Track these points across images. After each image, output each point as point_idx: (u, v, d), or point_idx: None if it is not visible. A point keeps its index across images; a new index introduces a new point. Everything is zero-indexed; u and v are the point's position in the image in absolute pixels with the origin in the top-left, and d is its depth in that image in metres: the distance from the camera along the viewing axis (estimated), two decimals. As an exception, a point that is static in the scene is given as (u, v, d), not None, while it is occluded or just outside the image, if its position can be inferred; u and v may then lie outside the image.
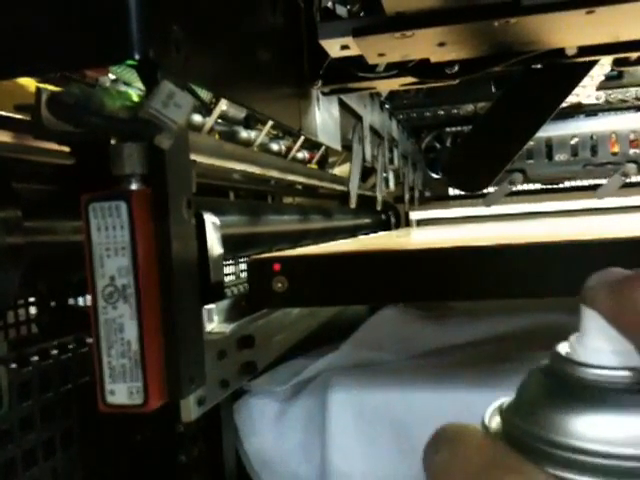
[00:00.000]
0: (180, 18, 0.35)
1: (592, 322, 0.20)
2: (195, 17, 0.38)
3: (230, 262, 1.01)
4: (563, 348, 0.21)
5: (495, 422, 0.21)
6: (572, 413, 0.19)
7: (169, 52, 0.34)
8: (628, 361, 0.19)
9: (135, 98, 0.36)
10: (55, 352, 0.48)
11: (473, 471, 0.19)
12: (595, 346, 0.20)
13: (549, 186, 1.57)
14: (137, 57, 0.32)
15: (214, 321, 0.47)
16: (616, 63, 0.72)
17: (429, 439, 0.21)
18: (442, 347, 0.81)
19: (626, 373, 0.19)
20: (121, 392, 0.35)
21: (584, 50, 0.58)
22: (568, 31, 0.52)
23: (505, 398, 0.22)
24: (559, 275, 0.47)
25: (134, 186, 0.35)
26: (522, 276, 0.48)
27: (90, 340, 0.49)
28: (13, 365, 0.44)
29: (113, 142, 0.36)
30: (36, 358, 0.46)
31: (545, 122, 0.82)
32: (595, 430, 0.19)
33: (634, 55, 0.65)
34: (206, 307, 0.44)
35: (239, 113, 0.92)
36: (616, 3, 0.47)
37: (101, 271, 0.35)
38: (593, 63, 0.71)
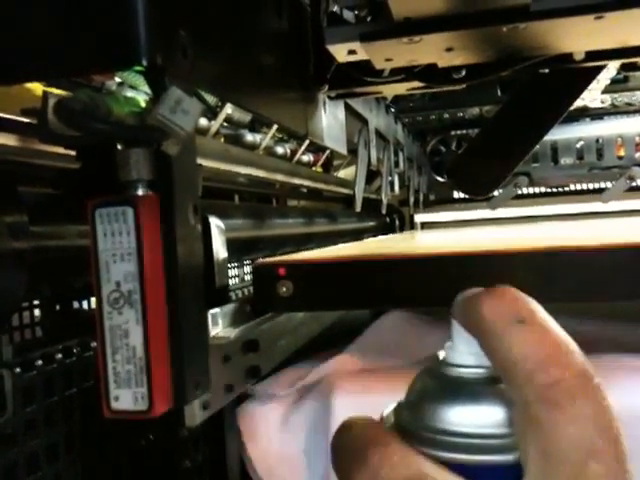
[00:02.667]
0: (187, 23, 0.35)
1: (456, 330, 0.25)
2: (202, 22, 0.38)
3: (234, 265, 1.00)
4: (441, 353, 0.26)
5: (388, 416, 0.26)
6: (439, 403, 0.24)
7: (176, 57, 0.34)
8: (483, 360, 0.24)
9: (142, 104, 0.36)
10: (59, 356, 0.48)
11: (357, 447, 0.24)
12: (459, 349, 0.25)
13: (554, 189, 1.56)
14: (144, 63, 0.32)
15: (219, 325, 0.47)
16: (623, 67, 0.72)
17: (340, 424, 0.26)
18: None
19: (480, 370, 0.24)
20: (126, 398, 0.35)
21: (592, 55, 0.58)
22: (576, 36, 0.52)
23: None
24: (563, 281, 0.47)
25: (141, 192, 0.35)
26: (527, 282, 0.48)
27: (94, 344, 0.49)
28: (17, 369, 0.44)
29: (119, 146, 0.36)
30: (40, 362, 0.46)
31: (552, 127, 0.82)
32: (455, 416, 0.23)
33: (642, 60, 0.65)
34: (211, 311, 0.44)
35: (244, 116, 0.92)
36: (625, 9, 0.47)
37: (107, 276, 0.35)
38: (600, 68, 0.70)
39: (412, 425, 0.24)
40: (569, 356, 0.22)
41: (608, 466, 0.20)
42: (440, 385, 0.25)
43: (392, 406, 0.27)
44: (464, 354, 0.25)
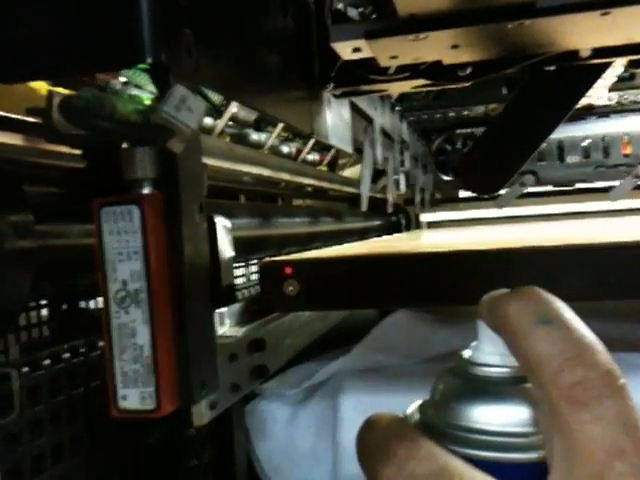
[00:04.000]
0: (191, 21, 0.35)
1: (482, 330, 0.25)
2: (206, 20, 0.38)
3: (241, 264, 1.00)
4: (466, 352, 0.26)
5: (413, 413, 0.27)
6: (465, 402, 0.24)
7: (181, 56, 0.34)
8: (509, 360, 0.24)
9: (147, 102, 0.36)
10: (67, 356, 0.48)
11: (383, 442, 0.25)
12: (485, 349, 0.25)
13: (561, 188, 1.56)
14: (149, 61, 0.32)
15: (225, 325, 0.47)
16: (630, 65, 0.71)
17: (365, 420, 0.26)
18: (454, 351, 0.80)
19: (506, 369, 0.25)
20: (133, 397, 0.35)
21: (598, 52, 0.58)
22: (583, 33, 0.52)
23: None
24: (572, 279, 0.47)
25: (146, 190, 0.35)
26: (535, 280, 0.47)
27: (101, 343, 0.49)
28: (25, 369, 0.44)
29: (124, 145, 0.36)
30: (48, 362, 0.46)
31: (558, 125, 0.81)
32: (481, 414, 0.24)
33: (648, 57, 0.64)
34: (217, 311, 0.44)
35: (250, 115, 0.92)
36: (632, 4, 0.46)
37: (113, 276, 0.35)
38: (607, 65, 0.70)
39: (438, 423, 0.25)
40: (595, 356, 0.22)
41: (633, 466, 0.20)
42: (466, 384, 0.25)
43: (416, 404, 0.27)
44: (490, 354, 0.25)
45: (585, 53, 0.58)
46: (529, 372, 0.23)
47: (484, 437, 0.23)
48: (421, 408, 0.27)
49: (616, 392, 0.21)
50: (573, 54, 0.58)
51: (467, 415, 0.24)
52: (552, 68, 0.66)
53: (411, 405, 0.27)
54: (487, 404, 0.24)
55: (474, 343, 0.26)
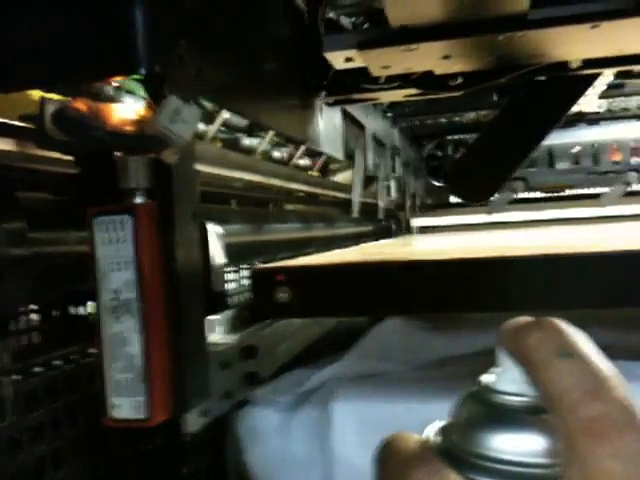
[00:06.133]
0: (187, 33, 0.35)
1: (502, 357, 0.25)
2: (202, 32, 0.38)
3: (233, 270, 1.00)
4: (487, 377, 0.26)
5: (433, 436, 0.26)
6: (484, 429, 0.24)
7: (175, 66, 0.34)
8: (529, 388, 0.24)
9: (141, 112, 0.36)
10: (59, 363, 0.48)
11: (401, 463, 0.25)
12: (505, 376, 0.25)
13: (551, 194, 1.57)
14: (143, 71, 0.32)
15: (217, 332, 0.47)
16: (619, 75, 0.72)
17: (385, 438, 0.27)
18: (448, 357, 0.80)
19: (526, 398, 0.24)
20: (125, 406, 0.35)
21: (588, 63, 0.58)
22: (573, 45, 0.53)
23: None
24: (564, 287, 0.47)
25: (139, 200, 0.35)
26: (529, 288, 0.48)
27: (93, 350, 0.49)
28: (16, 377, 0.43)
29: (118, 153, 0.36)
30: (40, 369, 0.46)
31: (549, 133, 0.82)
32: (499, 442, 0.24)
33: (638, 67, 0.65)
34: (209, 318, 0.44)
35: (242, 121, 0.92)
36: (621, 18, 0.47)
37: (106, 285, 0.35)
38: (597, 75, 0.71)
39: (455, 448, 0.25)
40: (613, 390, 0.22)
41: None
42: (485, 411, 0.25)
43: (435, 426, 0.27)
44: (510, 382, 0.25)
45: (575, 64, 0.58)
46: (548, 403, 0.23)
47: (502, 466, 0.23)
48: (439, 432, 0.27)
49: (634, 427, 0.21)
50: (563, 65, 0.59)
51: (485, 442, 0.24)
52: (543, 78, 0.66)
53: (430, 426, 0.27)
54: (505, 432, 0.24)
55: (495, 369, 0.26)
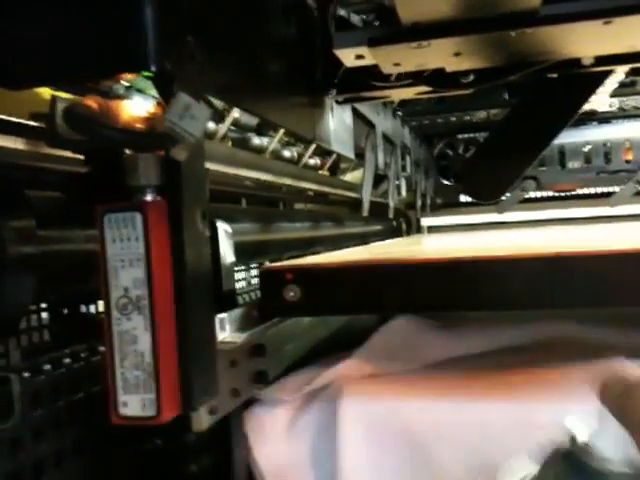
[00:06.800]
0: (195, 30, 0.35)
1: (604, 417, 0.25)
2: (210, 28, 0.38)
3: (242, 268, 1.00)
4: (580, 434, 0.26)
5: None
6: None
7: (185, 63, 0.34)
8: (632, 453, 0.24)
9: (151, 109, 0.36)
10: (67, 361, 0.48)
11: None
12: (606, 439, 0.25)
13: (562, 193, 1.56)
14: (153, 69, 0.32)
15: (226, 330, 0.47)
16: (631, 73, 0.71)
17: None
18: (456, 356, 0.80)
19: (627, 463, 0.24)
20: (134, 404, 0.35)
21: (600, 60, 0.58)
22: (585, 41, 0.52)
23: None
24: (575, 286, 0.47)
25: (149, 197, 0.35)
26: (538, 288, 0.47)
27: (102, 348, 0.49)
28: (26, 374, 0.44)
29: (127, 151, 0.36)
30: (48, 367, 0.46)
31: (560, 131, 0.81)
32: None
33: (650, 65, 0.64)
34: (218, 316, 0.44)
35: (251, 120, 0.92)
36: (633, 14, 0.47)
37: (115, 282, 0.35)
38: (609, 72, 0.70)
39: None
40: None
41: None
42: (584, 475, 0.25)
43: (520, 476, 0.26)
44: (611, 446, 0.24)
45: (587, 61, 0.58)
46: None
47: None
48: None
49: None
50: (575, 62, 0.58)
51: None
52: (554, 75, 0.66)
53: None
54: None
55: (594, 429, 0.25)
